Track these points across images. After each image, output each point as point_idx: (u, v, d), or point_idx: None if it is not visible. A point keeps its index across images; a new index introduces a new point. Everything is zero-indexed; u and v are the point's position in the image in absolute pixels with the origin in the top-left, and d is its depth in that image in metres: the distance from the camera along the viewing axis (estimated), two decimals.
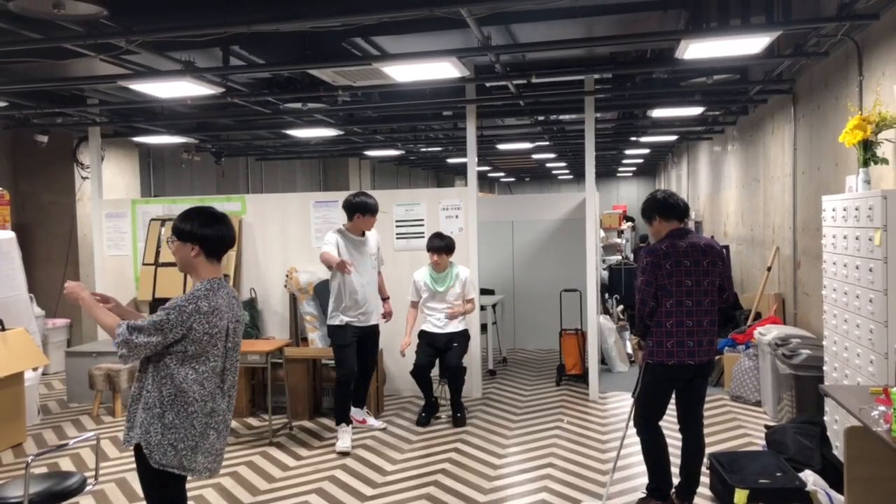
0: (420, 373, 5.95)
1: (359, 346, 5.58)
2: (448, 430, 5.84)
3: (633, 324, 3.84)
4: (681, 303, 3.90)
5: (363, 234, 5.62)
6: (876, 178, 4.57)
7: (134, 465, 2.84)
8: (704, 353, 3.95)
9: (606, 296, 9.17)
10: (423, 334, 6.10)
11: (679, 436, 4.14)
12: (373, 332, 5.70)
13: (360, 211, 5.52)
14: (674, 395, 4.12)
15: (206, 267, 2.82)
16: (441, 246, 5.98)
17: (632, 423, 4.16)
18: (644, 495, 4.17)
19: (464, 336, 6.08)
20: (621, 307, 9.30)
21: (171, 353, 2.72)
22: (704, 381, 4.10)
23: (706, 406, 5.50)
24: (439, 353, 6.00)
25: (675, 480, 4.14)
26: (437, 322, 6.02)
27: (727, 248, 8.79)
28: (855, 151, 4.47)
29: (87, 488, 3.46)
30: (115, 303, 2.96)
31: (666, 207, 4.04)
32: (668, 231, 4.03)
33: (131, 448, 2.78)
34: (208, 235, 2.81)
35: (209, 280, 2.80)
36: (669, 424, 4.19)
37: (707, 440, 5.17)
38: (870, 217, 3.91)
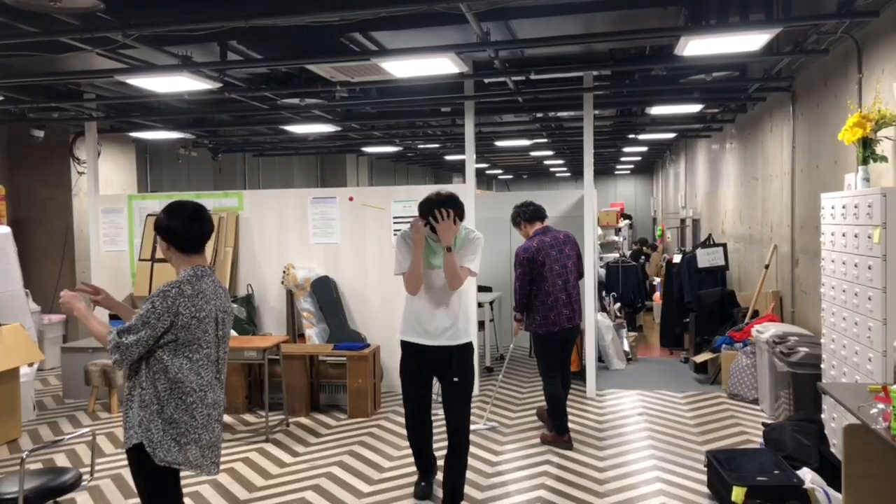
0: (415, 431, 4.29)
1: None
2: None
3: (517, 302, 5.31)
4: (555, 283, 5.10)
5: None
6: (875, 176, 4.56)
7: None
8: (577, 318, 5.25)
9: (604, 293, 9.16)
10: (406, 352, 4.12)
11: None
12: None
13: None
14: None
15: (185, 259, 2.83)
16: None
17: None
18: (548, 432, 5.35)
19: (466, 357, 4.06)
20: (618, 305, 9.29)
21: (163, 345, 2.69)
22: (573, 341, 5.46)
23: (703, 402, 5.49)
24: (433, 374, 4.17)
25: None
26: (425, 324, 4.02)
27: (724, 245, 8.79)
28: (854, 149, 4.46)
29: (83, 484, 3.46)
30: (105, 294, 2.96)
31: (528, 215, 5.31)
32: (534, 231, 5.25)
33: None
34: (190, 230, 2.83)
35: (193, 267, 2.80)
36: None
37: (704, 437, 5.34)
38: (869, 215, 3.90)
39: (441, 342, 4.00)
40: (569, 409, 6.28)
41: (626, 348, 8.10)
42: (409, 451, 4.50)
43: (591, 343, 6.67)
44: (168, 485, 2.82)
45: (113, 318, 4.58)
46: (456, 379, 4.04)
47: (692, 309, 8.20)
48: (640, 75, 7.04)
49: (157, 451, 2.69)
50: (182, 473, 2.87)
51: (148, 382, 2.71)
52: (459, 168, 17.57)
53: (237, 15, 4.42)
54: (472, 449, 5.21)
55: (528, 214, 5.33)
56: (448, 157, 16.13)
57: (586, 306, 6.71)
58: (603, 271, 10.11)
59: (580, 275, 5.35)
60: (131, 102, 7.62)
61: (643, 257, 13.80)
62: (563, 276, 5.13)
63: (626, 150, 15.81)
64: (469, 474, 4.73)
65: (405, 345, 4.11)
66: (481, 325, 7.32)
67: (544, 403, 5.45)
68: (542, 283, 5.08)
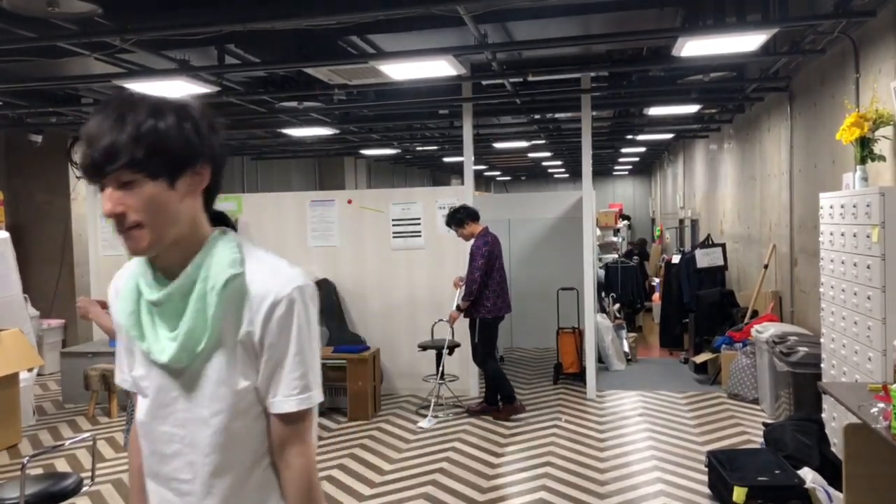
0: None
1: None
2: (446, 428, 5.83)
3: (467, 293, 5.93)
4: (501, 274, 5.99)
5: None
6: (873, 175, 4.57)
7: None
8: (510, 305, 6.13)
9: (603, 294, 9.17)
10: None
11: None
12: None
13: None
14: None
15: None
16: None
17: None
18: (501, 404, 6.07)
19: None
20: (618, 305, 9.29)
21: None
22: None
23: (703, 402, 5.49)
24: None
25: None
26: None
27: (723, 245, 8.79)
28: (852, 149, 4.47)
29: (84, 489, 3.44)
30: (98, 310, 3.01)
31: (473, 215, 6.03)
32: (480, 230, 5.99)
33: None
34: None
35: None
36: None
37: (705, 438, 5.33)
38: (867, 214, 3.91)
39: None
40: (569, 410, 6.32)
41: (626, 349, 8.10)
42: (409, 453, 4.48)
43: (590, 344, 6.67)
44: None
45: None
46: None
47: (691, 309, 8.20)
48: (638, 76, 7.05)
49: None
50: None
51: None
52: (458, 170, 17.58)
53: (235, 18, 4.42)
54: (472, 450, 5.21)
55: (473, 215, 6.07)
56: (446, 159, 16.13)
57: (586, 307, 6.77)
58: (602, 272, 10.11)
59: None
60: None
61: (636, 256, 13.76)
62: (503, 270, 6.09)
63: (625, 150, 15.83)
64: (469, 475, 4.76)
65: None
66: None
67: (475, 403, 6.32)
68: (493, 274, 5.94)
